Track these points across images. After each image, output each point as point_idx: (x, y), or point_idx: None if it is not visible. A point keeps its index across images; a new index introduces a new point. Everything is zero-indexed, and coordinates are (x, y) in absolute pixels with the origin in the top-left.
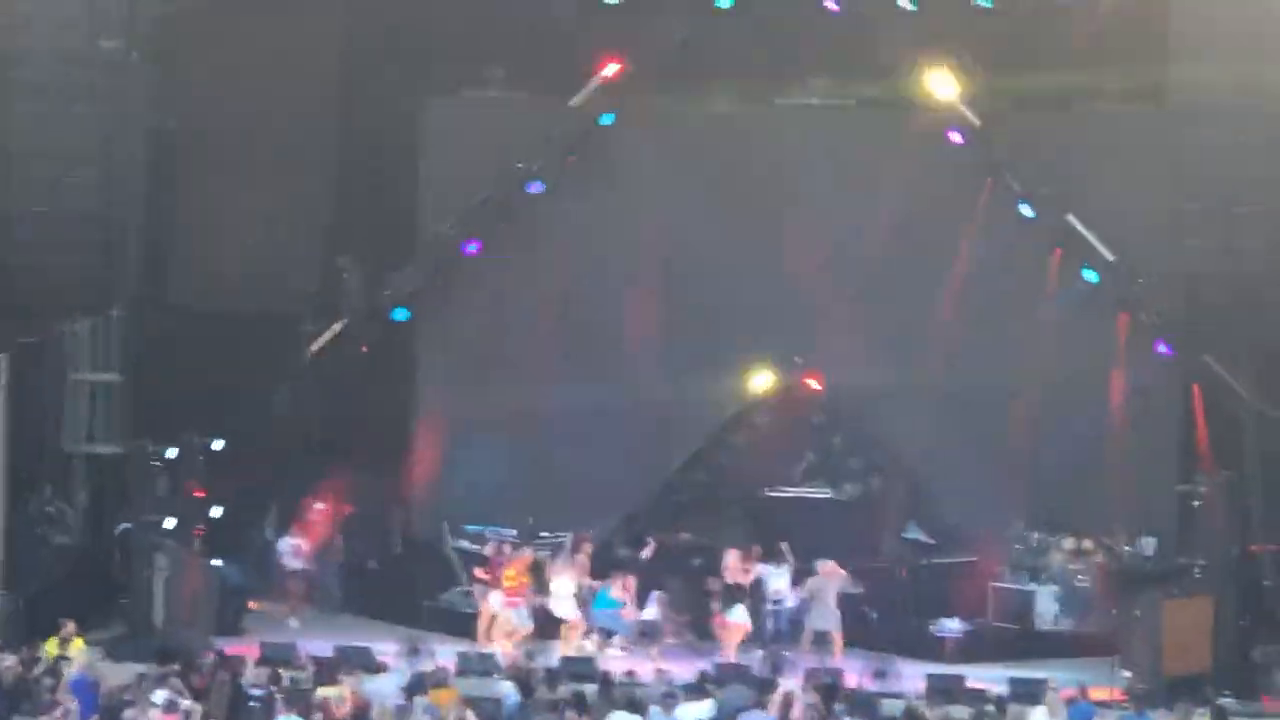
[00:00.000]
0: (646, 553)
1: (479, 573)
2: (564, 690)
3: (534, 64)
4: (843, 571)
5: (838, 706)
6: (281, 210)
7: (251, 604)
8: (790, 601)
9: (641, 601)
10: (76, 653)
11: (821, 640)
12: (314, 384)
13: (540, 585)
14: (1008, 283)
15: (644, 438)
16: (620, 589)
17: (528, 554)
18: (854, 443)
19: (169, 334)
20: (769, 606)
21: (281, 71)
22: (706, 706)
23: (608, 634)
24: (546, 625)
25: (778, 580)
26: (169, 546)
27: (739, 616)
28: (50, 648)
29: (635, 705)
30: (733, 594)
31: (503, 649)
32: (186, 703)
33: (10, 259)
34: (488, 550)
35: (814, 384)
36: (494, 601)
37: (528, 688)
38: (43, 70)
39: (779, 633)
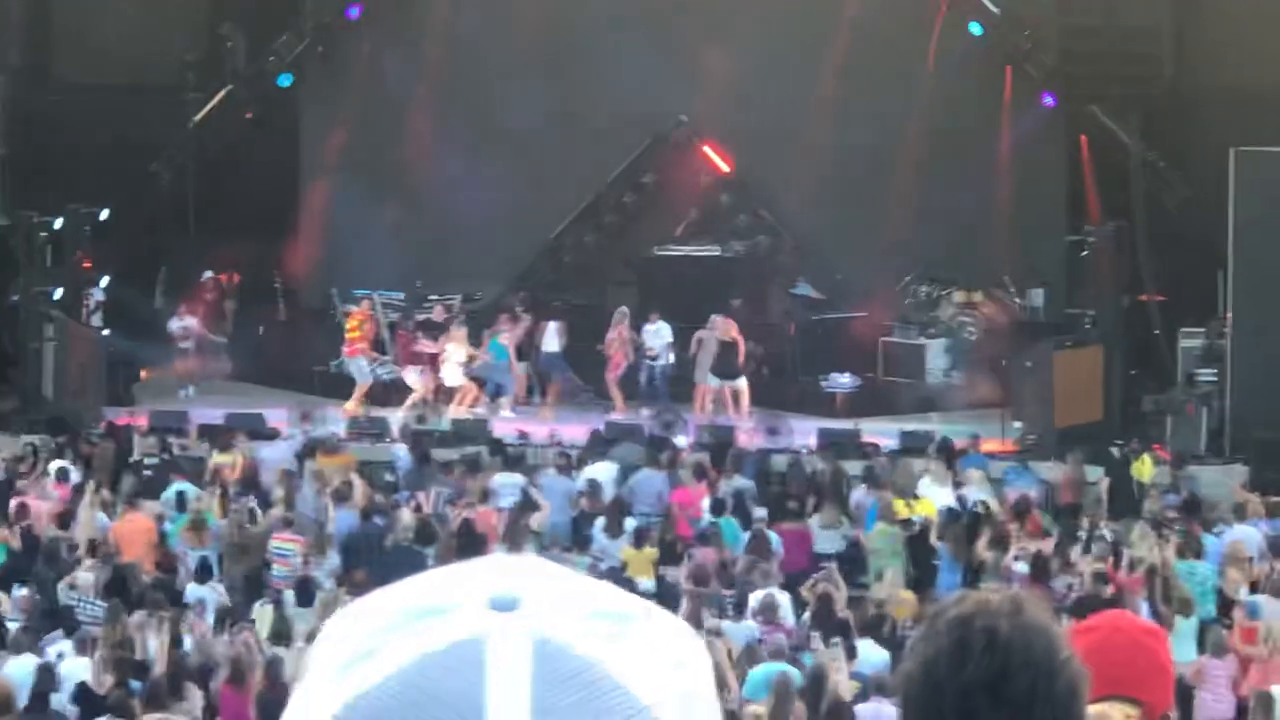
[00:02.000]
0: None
1: (423, 343)
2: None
3: None
4: (731, 328)
5: (728, 463)
6: None
7: (143, 373)
8: (665, 359)
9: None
10: None
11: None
12: (199, 152)
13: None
14: (893, 37)
15: (530, 198)
16: (508, 335)
17: (366, 304)
18: (740, 199)
19: (52, 105)
20: (646, 362)
21: None
22: (610, 467)
23: (497, 390)
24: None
25: (653, 339)
26: (57, 317)
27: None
28: None
29: (526, 467)
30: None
31: (348, 410)
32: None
33: None
34: (435, 315)
35: (700, 144)
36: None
37: (421, 451)
38: None
39: (653, 389)
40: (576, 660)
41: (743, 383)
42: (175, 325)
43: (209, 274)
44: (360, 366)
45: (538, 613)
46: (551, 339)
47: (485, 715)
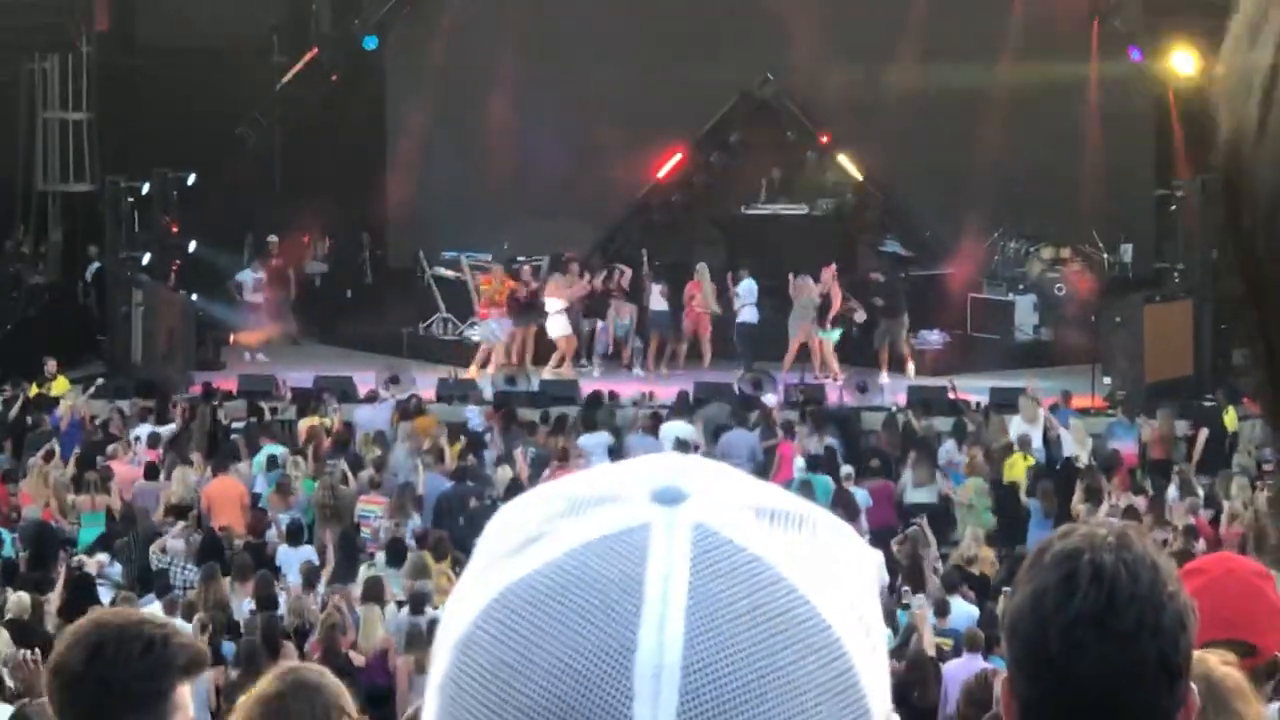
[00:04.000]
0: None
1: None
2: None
3: None
4: (813, 286)
5: (820, 420)
6: None
7: (231, 338)
8: (749, 317)
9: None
10: (60, 391)
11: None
12: (285, 115)
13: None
14: None
15: (616, 156)
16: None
17: (500, 269)
18: (827, 157)
19: (138, 70)
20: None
21: None
22: (689, 426)
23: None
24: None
25: (738, 296)
26: (146, 282)
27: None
28: (34, 387)
29: (616, 427)
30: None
31: (476, 373)
32: (166, 430)
33: None
34: (522, 274)
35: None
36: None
37: (507, 412)
38: None
39: (736, 347)
40: (739, 553)
41: (835, 335)
42: (248, 276)
43: (294, 236)
44: (491, 329)
45: (702, 506)
46: (659, 298)
47: (643, 601)
